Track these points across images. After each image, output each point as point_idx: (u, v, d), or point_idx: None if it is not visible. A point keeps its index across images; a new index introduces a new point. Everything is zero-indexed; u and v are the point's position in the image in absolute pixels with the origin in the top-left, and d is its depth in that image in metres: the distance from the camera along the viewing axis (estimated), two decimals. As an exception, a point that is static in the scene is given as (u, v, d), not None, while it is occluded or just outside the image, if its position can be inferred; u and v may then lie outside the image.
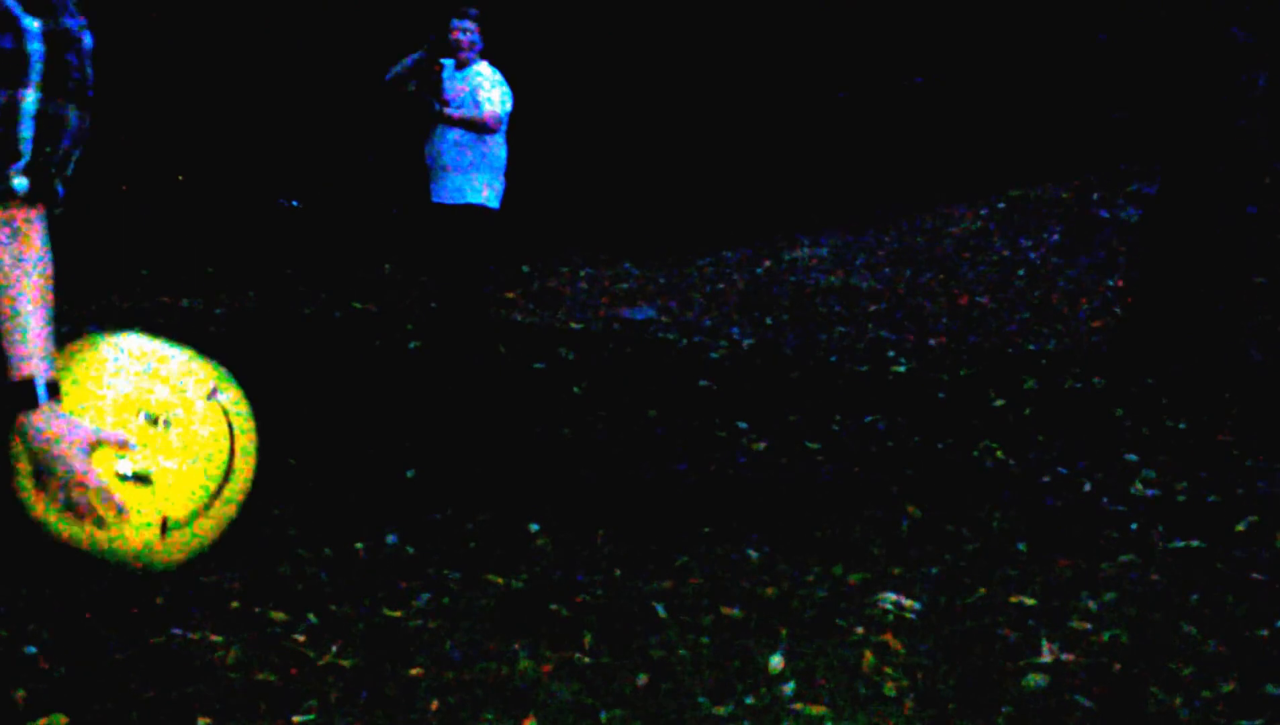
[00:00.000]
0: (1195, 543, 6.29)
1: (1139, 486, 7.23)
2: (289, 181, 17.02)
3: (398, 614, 5.22)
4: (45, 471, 2.60)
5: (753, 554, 6.03)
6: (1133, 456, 7.76)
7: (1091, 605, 5.44)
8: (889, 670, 4.76)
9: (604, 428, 8.30)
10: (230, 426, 2.78)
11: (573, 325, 12.77)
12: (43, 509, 2.67)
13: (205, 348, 2.97)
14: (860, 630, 5.13)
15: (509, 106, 9.07)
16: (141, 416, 2.68)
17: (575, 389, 9.16)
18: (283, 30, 16.17)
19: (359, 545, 5.99)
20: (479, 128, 8.91)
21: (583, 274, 15.83)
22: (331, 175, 16.55)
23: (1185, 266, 9.82)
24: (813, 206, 17.11)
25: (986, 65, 18.48)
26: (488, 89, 9.02)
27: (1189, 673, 4.78)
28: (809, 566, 5.86)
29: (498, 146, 9.09)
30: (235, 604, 5.23)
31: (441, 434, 7.93)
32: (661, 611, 5.29)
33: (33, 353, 2.53)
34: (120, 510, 2.64)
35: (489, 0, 9.42)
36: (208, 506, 2.74)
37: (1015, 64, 18.41)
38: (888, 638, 5.04)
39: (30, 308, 2.53)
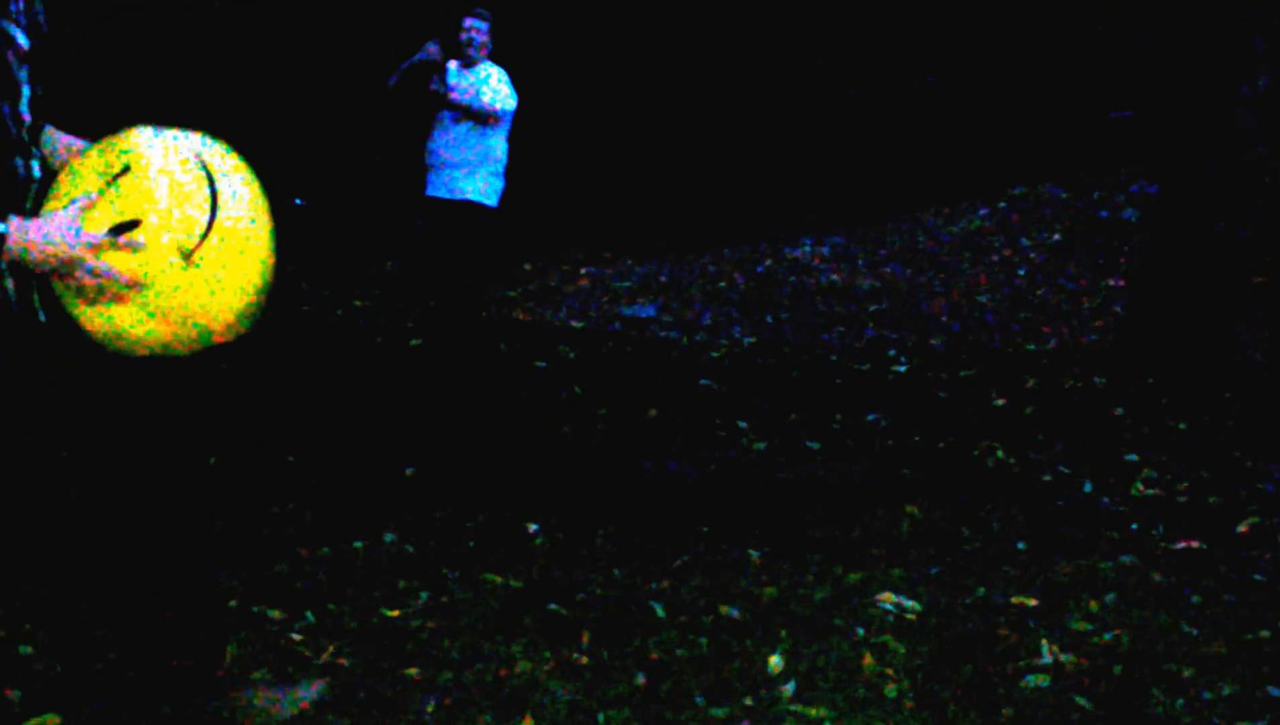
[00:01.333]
0: (1196, 543, 6.27)
1: (1140, 487, 7.21)
2: (294, 180, 17.00)
3: (395, 613, 5.20)
4: (58, 271, 2.91)
5: (752, 554, 6.02)
6: (1133, 456, 7.75)
7: (1092, 606, 5.42)
8: (889, 671, 4.75)
9: (604, 427, 8.29)
10: (199, 160, 3.02)
11: (573, 323, 12.75)
12: (95, 317, 2.97)
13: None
14: (860, 631, 5.11)
15: (513, 106, 9.05)
16: (100, 180, 2.96)
17: (576, 388, 9.14)
18: (288, 29, 16.15)
19: (357, 544, 5.98)
20: (479, 117, 8.88)
21: (583, 272, 15.80)
22: (336, 174, 16.53)
23: (1186, 266, 9.80)
24: (814, 205, 17.09)
25: (987, 64, 18.47)
26: (493, 85, 8.99)
27: (1190, 674, 4.77)
28: (808, 567, 5.84)
29: (498, 145, 9.06)
30: (232, 602, 5.21)
31: (441, 432, 7.91)
32: (660, 612, 5.27)
33: None
34: (136, 246, 2.91)
35: (495, -1, 9.41)
36: (209, 227, 2.95)
37: (1016, 63, 18.40)
38: (888, 638, 5.02)
39: None
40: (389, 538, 6.08)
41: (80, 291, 2.94)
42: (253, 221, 3.05)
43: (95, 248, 2.90)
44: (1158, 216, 10.33)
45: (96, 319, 2.99)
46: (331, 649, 4.82)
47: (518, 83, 9.17)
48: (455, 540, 6.11)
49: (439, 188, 9.02)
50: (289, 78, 15.82)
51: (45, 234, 2.90)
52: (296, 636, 4.93)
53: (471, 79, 9.05)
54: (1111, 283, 13.71)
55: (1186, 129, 10.03)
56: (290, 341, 9.56)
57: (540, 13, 16.70)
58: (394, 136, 9.59)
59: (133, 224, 2.92)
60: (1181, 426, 8.31)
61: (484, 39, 9.12)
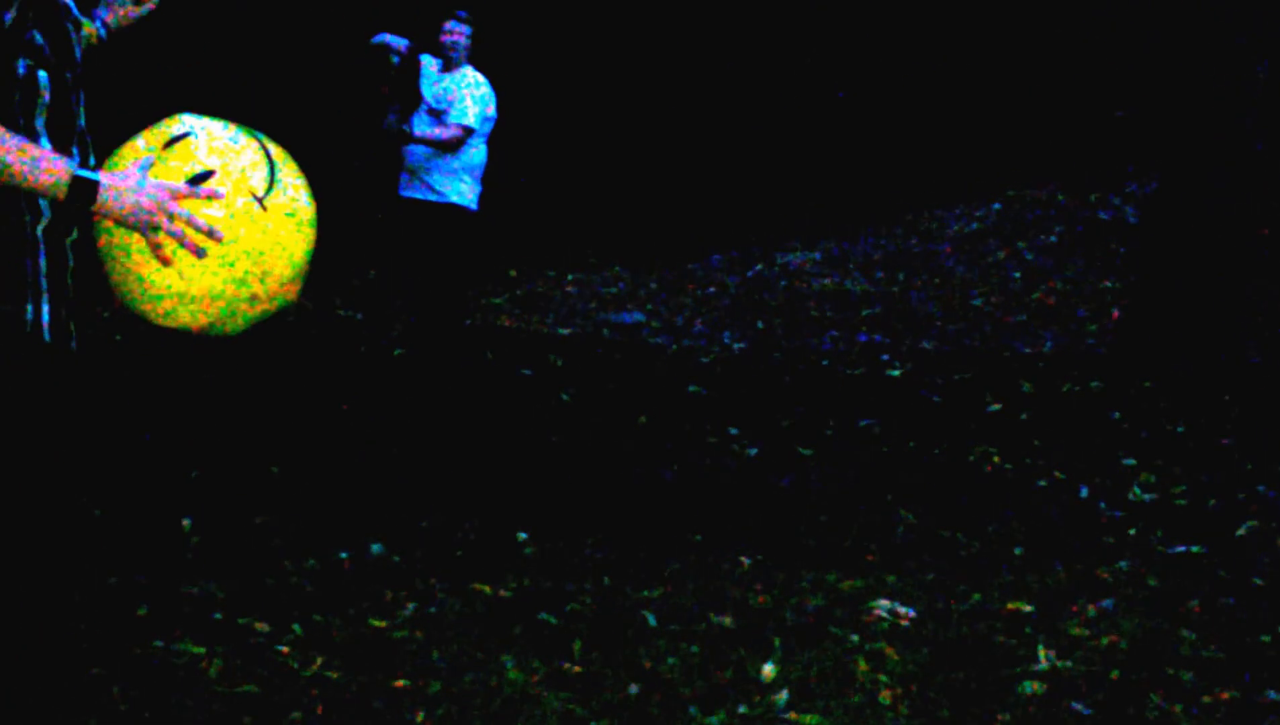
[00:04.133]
0: (1195, 547, 6.25)
1: (1137, 491, 7.18)
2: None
3: (383, 624, 5.17)
4: (142, 223, 2.94)
5: (744, 561, 5.99)
6: (1131, 460, 7.71)
7: (1090, 611, 5.40)
8: (884, 678, 4.72)
9: (593, 434, 8.25)
10: (247, 130, 3.18)
11: (561, 330, 12.71)
12: (165, 277, 3.02)
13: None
14: (854, 638, 5.08)
15: (492, 115, 8.99)
16: (160, 146, 3.06)
17: (564, 395, 9.10)
18: (272, 32, 16.14)
19: (343, 555, 5.94)
20: (440, 146, 8.81)
21: (571, 278, 15.78)
22: (317, 179, 16.49)
23: (1184, 268, 9.76)
24: (805, 208, 17.07)
25: (982, 65, 18.47)
26: (468, 101, 8.91)
27: (1189, 679, 4.75)
28: (802, 574, 5.81)
29: (478, 150, 9.01)
30: (218, 615, 5.19)
31: (427, 442, 7.87)
32: (652, 620, 5.25)
33: (57, 163, 2.90)
34: (217, 194, 2.98)
35: (480, 2, 9.35)
36: (272, 178, 3.09)
37: (1011, 64, 18.40)
38: (882, 645, 5.00)
39: (35, 144, 2.93)
40: (376, 548, 6.04)
41: (157, 249, 2.98)
42: (300, 180, 3.19)
43: (178, 196, 2.96)
44: (1156, 217, 10.31)
45: (170, 279, 3.03)
46: (319, 661, 4.79)
47: (501, 87, 9.11)
48: (443, 550, 6.07)
49: (418, 189, 8.94)
50: (275, 81, 15.81)
51: (131, 183, 2.94)
52: (283, 649, 4.90)
53: (450, 88, 8.98)
54: (1109, 285, 13.69)
55: (1186, 129, 10.00)
56: (273, 351, 9.51)
57: (526, 16, 16.68)
58: (377, 142, 9.50)
59: (208, 174, 3.01)
60: (1180, 430, 8.29)
61: (465, 42, 9.05)
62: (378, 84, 8.95)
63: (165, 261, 2.98)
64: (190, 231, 2.95)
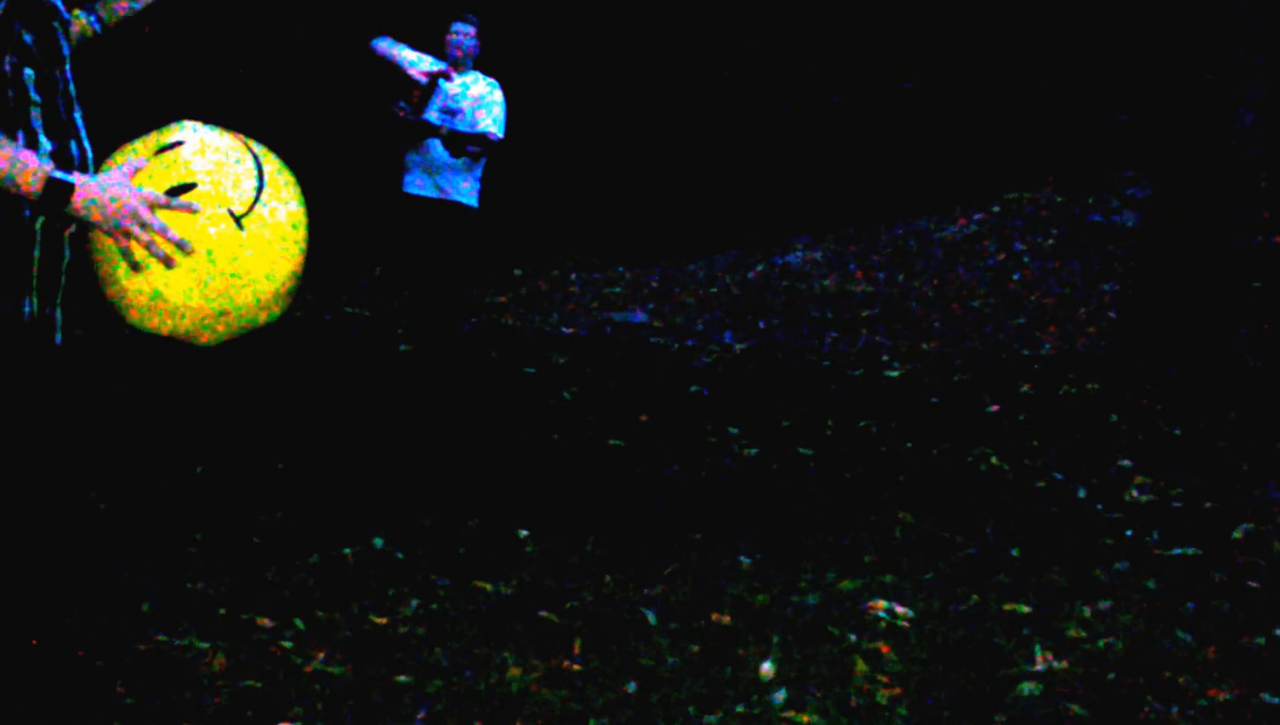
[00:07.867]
0: (1191, 550, 6.25)
1: (1134, 493, 7.19)
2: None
3: (385, 621, 5.18)
4: (115, 230, 2.93)
5: (744, 560, 5.99)
6: (1128, 463, 7.72)
7: (1086, 613, 5.40)
8: (881, 678, 4.72)
9: (594, 433, 8.26)
10: (240, 136, 3.15)
11: (563, 329, 12.72)
12: (139, 284, 3.00)
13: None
14: (853, 638, 5.09)
15: (503, 120, 8.97)
16: (151, 152, 3.05)
17: (565, 394, 9.11)
18: (275, 31, 16.11)
19: (347, 551, 5.95)
20: (485, 143, 8.81)
21: (574, 277, 15.78)
22: (321, 178, 16.48)
23: (1181, 271, 9.78)
24: (806, 210, 17.06)
25: (980, 68, 18.45)
26: (494, 111, 8.90)
27: (1185, 681, 4.75)
28: (800, 573, 5.82)
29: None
30: (222, 610, 5.19)
31: (430, 439, 7.88)
32: (651, 618, 5.25)
33: (32, 164, 2.88)
34: (192, 208, 2.96)
35: (485, 2, 9.33)
36: (257, 196, 3.05)
37: (1009, 67, 18.38)
38: (880, 645, 5.00)
39: (13, 144, 2.90)
40: (378, 544, 6.05)
41: (128, 255, 2.97)
42: (291, 202, 3.14)
43: (153, 206, 2.95)
44: (1153, 220, 10.31)
45: (141, 285, 3.01)
46: (321, 656, 4.80)
47: (507, 84, 9.09)
48: (445, 547, 6.08)
49: (424, 186, 8.93)
50: (278, 80, 15.78)
51: (108, 189, 2.94)
52: (286, 644, 4.90)
53: (461, 93, 8.96)
54: (1106, 288, 13.69)
55: (1183, 132, 10.01)
56: (278, 347, 9.53)
57: (530, 16, 16.66)
58: (381, 140, 9.50)
59: (189, 186, 2.99)
60: (1177, 432, 8.29)
61: (472, 45, 9.02)
62: (394, 98, 8.91)
63: (136, 267, 2.98)
64: (161, 241, 2.94)
